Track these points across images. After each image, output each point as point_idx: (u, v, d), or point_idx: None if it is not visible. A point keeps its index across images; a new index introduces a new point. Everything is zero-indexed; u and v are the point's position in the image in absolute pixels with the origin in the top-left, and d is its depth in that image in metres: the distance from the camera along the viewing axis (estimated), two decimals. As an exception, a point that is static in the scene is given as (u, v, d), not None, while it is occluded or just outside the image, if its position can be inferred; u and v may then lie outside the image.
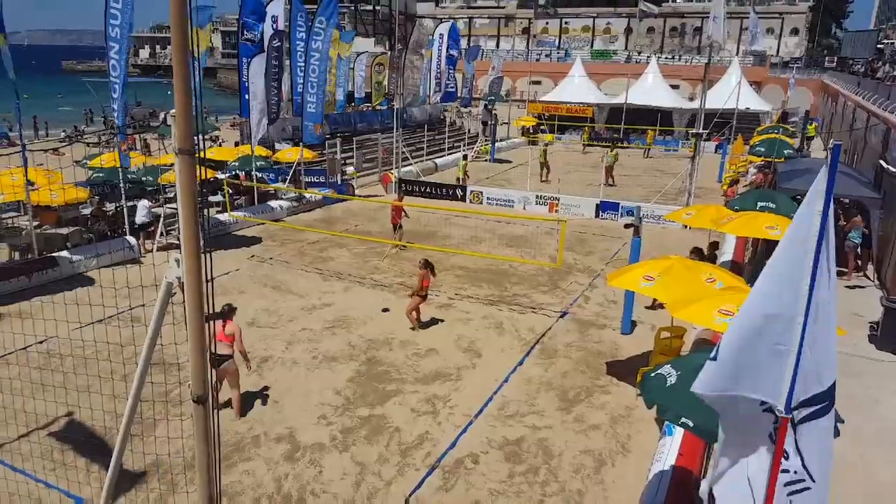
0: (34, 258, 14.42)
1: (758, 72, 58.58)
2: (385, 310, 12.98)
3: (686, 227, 18.13)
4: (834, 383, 3.35)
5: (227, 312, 8.90)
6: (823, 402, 3.33)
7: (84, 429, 8.48)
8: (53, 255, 14.54)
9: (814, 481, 3.33)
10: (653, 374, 6.38)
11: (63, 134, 35.64)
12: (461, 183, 25.46)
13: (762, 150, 23.81)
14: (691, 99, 46.55)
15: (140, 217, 16.72)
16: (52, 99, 60.51)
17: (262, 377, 10.19)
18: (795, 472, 3.34)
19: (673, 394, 5.96)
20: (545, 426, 9.03)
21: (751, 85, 43.04)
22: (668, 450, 7.64)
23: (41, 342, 10.71)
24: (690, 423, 5.61)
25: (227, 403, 9.14)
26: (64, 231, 16.01)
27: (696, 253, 12.89)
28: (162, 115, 40.89)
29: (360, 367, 10.65)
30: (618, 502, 7.46)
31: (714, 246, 15.87)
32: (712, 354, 3.65)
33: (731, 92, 32.12)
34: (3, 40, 13.22)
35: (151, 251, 16.35)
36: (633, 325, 12.38)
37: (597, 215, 22.06)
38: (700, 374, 3.67)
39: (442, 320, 12.64)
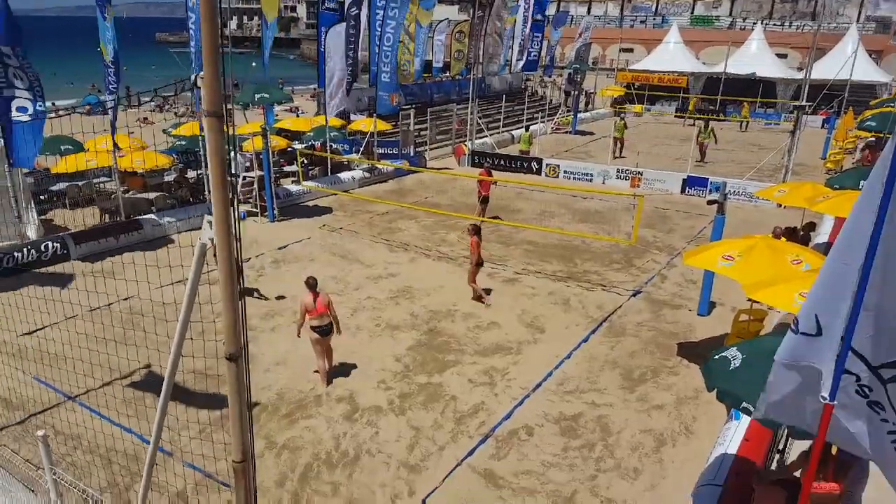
0: (121, 220, 15.63)
1: (879, 40, 54.27)
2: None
3: (780, 205, 17.37)
4: None
5: (314, 284, 9.16)
6: None
7: (160, 380, 9.24)
8: (139, 218, 15.72)
9: None
10: (716, 357, 6.31)
11: (153, 104, 37.87)
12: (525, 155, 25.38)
13: (873, 124, 22.28)
14: (800, 69, 43.89)
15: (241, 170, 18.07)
16: (146, 70, 64.11)
17: (326, 341, 10.71)
18: (894, 424, 3.69)
19: (735, 377, 5.88)
20: (605, 403, 9.08)
21: (870, 54, 40.07)
22: (733, 433, 7.54)
23: (125, 300, 11.69)
24: (752, 409, 5.54)
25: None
26: (149, 196, 17.22)
27: (788, 232, 12.36)
28: (243, 87, 42.62)
29: (421, 336, 11.01)
30: (675, 483, 7.46)
31: (810, 227, 15.13)
32: (795, 326, 3.75)
33: (846, 61, 30.06)
34: (111, 13, 14.25)
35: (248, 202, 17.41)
36: (711, 307, 12.12)
37: (682, 191, 21.56)
38: (783, 343, 3.79)
39: (507, 295, 12.82)
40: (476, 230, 12.03)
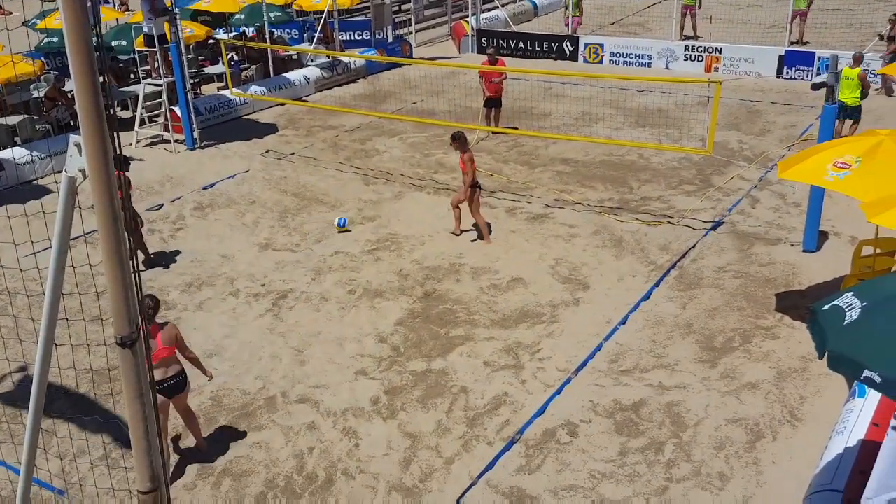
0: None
1: None
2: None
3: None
4: None
5: (154, 308, 7.70)
6: None
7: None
8: (-4, 156, 15.62)
9: None
10: (825, 308, 6.31)
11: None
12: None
13: None
14: None
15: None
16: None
17: (279, 318, 10.78)
18: None
19: (852, 335, 5.89)
20: (677, 385, 9.15)
21: None
22: (857, 417, 7.60)
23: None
24: (877, 379, 5.55)
25: (177, 439, 8.65)
26: (9, 121, 16.97)
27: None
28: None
29: (414, 304, 11.05)
30: (777, 491, 7.56)
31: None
32: None
33: None
34: None
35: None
36: (821, 239, 12.14)
37: (779, 73, 21.62)
38: None
39: (534, 238, 12.84)
40: (460, 139, 12.37)
